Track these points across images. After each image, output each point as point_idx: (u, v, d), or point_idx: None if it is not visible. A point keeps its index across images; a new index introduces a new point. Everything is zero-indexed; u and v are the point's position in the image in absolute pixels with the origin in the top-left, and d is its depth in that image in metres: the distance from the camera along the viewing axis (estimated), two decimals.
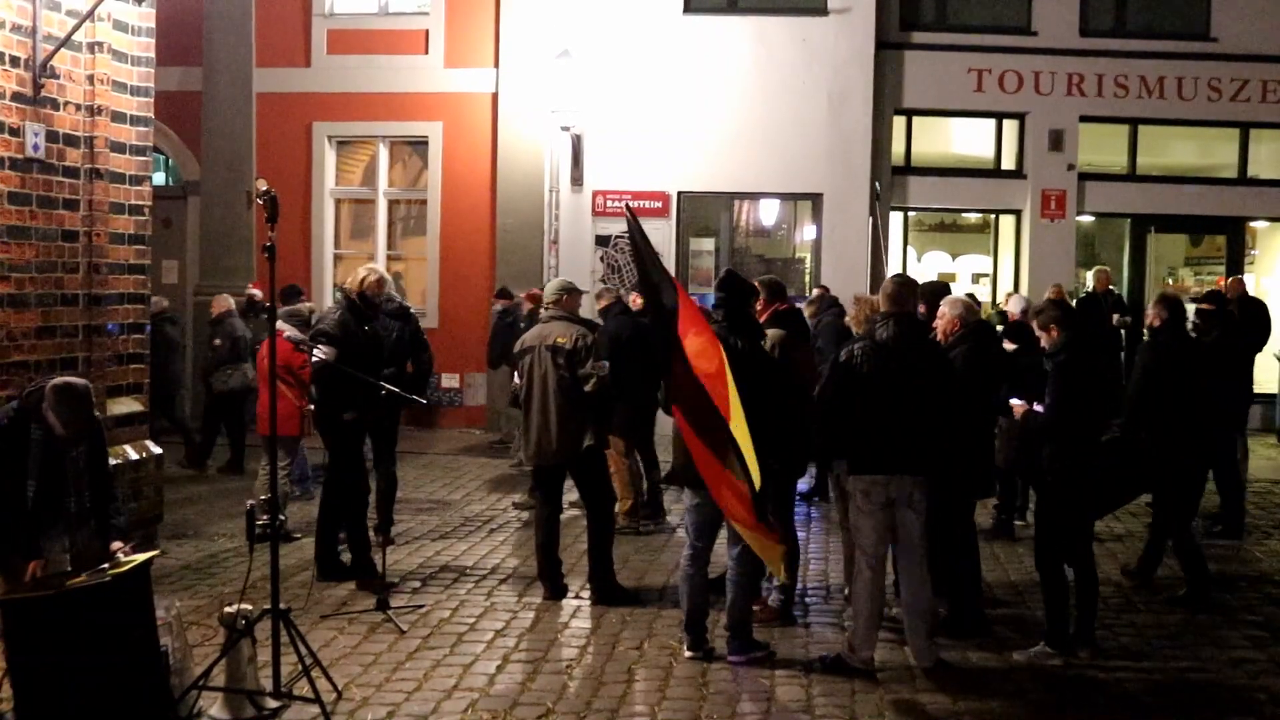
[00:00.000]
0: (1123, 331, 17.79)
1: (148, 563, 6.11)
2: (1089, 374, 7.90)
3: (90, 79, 8.99)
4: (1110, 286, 18.31)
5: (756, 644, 7.78)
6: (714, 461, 7.05)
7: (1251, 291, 18.51)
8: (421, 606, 8.80)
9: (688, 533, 7.91)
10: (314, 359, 9.01)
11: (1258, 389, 18.12)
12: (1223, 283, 18.69)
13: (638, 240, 7.64)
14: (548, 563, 9.13)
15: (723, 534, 7.81)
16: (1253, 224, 19.72)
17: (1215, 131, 19.40)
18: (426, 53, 18.31)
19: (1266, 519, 12.58)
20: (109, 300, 9.28)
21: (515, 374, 9.41)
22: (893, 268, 18.30)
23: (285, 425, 10.77)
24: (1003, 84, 18.51)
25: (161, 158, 18.94)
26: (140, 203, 9.55)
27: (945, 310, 8.74)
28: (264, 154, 18.37)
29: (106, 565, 6.14)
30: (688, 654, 7.75)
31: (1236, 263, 19.28)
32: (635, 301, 11.85)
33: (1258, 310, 17.93)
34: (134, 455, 9.39)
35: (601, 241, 17.94)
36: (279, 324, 11.00)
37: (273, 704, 6.62)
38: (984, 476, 8.69)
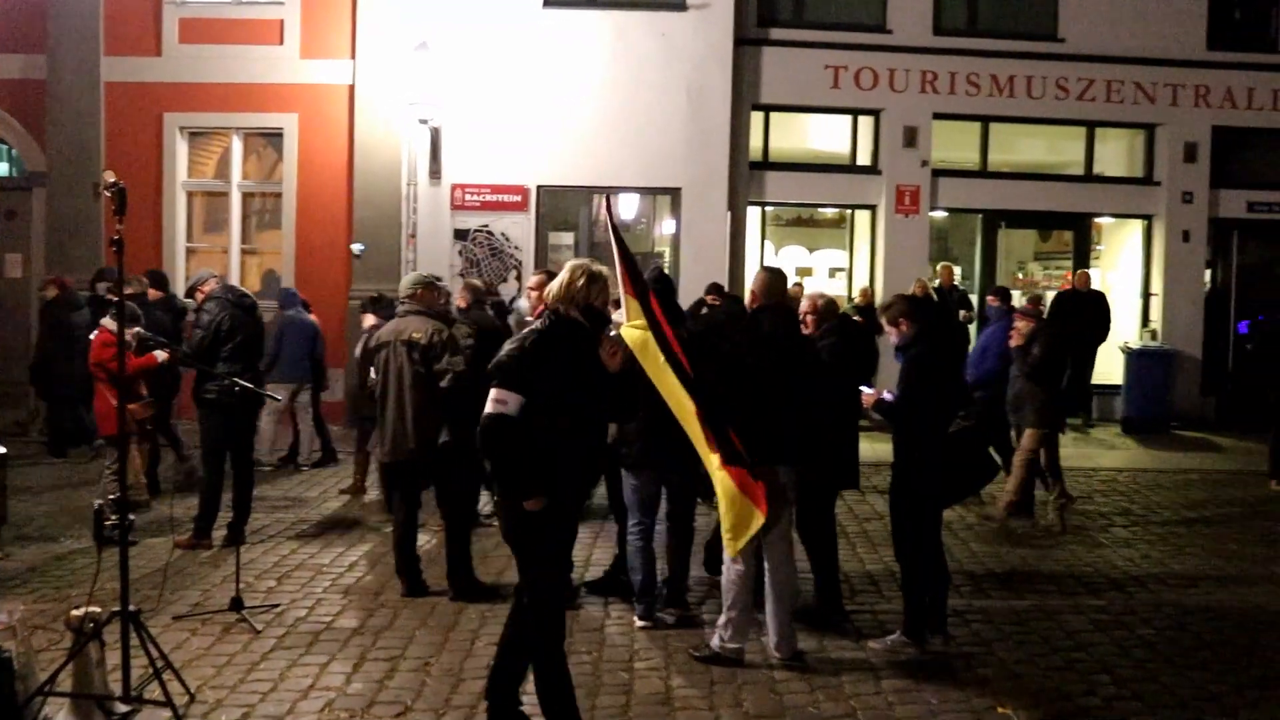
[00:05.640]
0: (970, 326, 18.18)
1: None
2: (938, 366, 8.06)
3: None
4: (955, 282, 18.72)
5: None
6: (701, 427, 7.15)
7: (1096, 285, 19.08)
8: (277, 605, 8.67)
9: (633, 511, 8.31)
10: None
11: (1103, 380, 18.79)
12: (1070, 276, 19.29)
13: (617, 233, 7.67)
14: (405, 559, 9.06)
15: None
16: (1098, 220, 20.27)
17: (1063, 130, 19.92)
18: (281, 43, 18.03)
19: (1110, 505, 12.96)
20: None
21: (371, 369, 9.29)
22: (750, 262, 18.50)
23: (108, 424, 10.50)
24: (858, 81, 18.78)
25: (4, 148, 18.39)
26: None
27: (804, 305, 8.87)
28: (113, 145, 17.94)
29: None
30: (639, 624, 8.25)
31: (1083, 257, 19.83)
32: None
33: (1098, 303, 18.56)
34: None
35: (460, 235, 17.84)
36: (106, 320, 10.86)
37: (122, 708, 6.45)
38: (849, 467, 8.81)
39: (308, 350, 14.01)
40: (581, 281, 6.22)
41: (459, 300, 12.30)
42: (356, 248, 16.95)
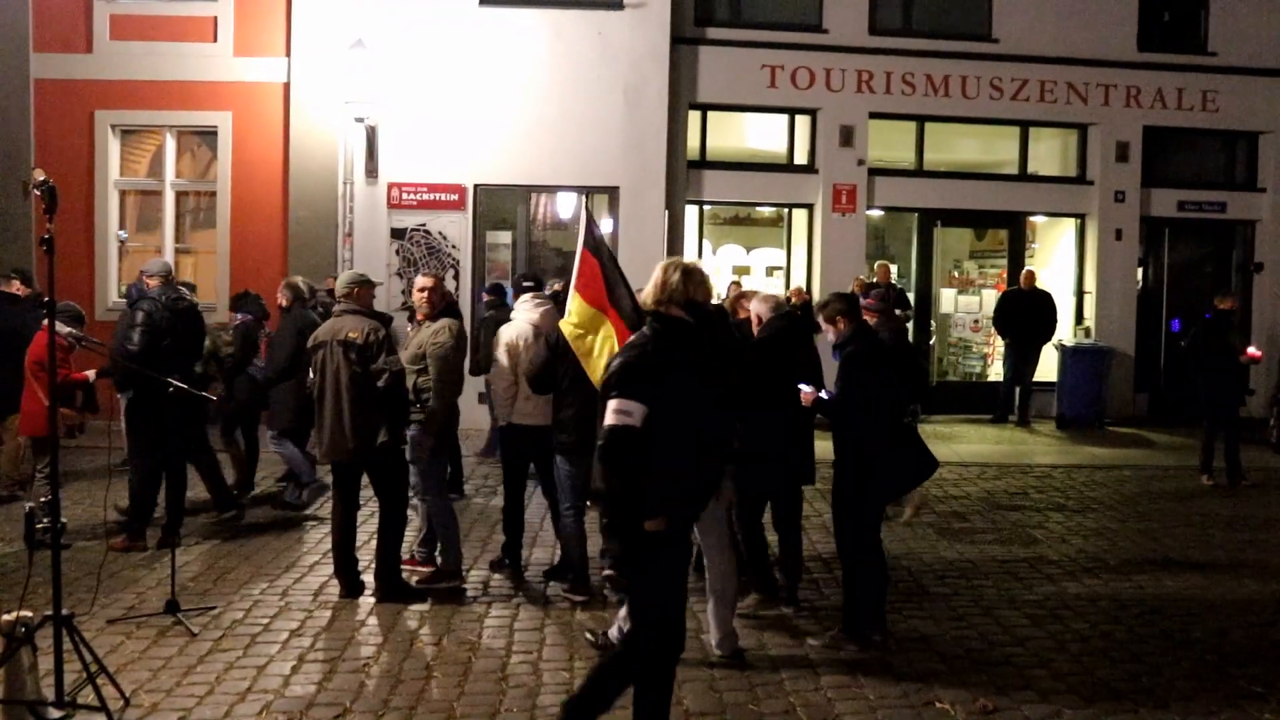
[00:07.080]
0: (908, 324, 18.29)
1: None
2: (876, 364, 8.10)
3: None
4: (892, 280, 18.83)
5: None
6: None
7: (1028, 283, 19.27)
8: (213, 608, 8.58)
9: (566, 495, 8.92)
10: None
11: (1038, 377, 18.98)
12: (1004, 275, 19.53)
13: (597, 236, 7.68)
14: (344, 560, 9.00)
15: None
16: (1033, 218, 20.46)
17: (997, 129, 20.09)
18: (215, 40, 17.84)
19: (1046, 501, 13.09)
20: None
21: (310, 369, 9.22)
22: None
23: (38, 424, 10.35)
24: (795, 80, 18.84)
25: None
26: None
27: (755, 306, 8.94)
28: (43, 143, 17.71)
29: None
30: (578, 598, 8.90)
31: (1018, 256, 20.02)
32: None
33: (1044, 302, 18.79)
34: None
35: (397, 234, 17.74)
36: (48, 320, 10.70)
37: (56, 714, 6.37)
38: (805, 464, 8.85)
39: None
40: (677, 277, 5.91)
41: (280, 299, 12.28)
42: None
